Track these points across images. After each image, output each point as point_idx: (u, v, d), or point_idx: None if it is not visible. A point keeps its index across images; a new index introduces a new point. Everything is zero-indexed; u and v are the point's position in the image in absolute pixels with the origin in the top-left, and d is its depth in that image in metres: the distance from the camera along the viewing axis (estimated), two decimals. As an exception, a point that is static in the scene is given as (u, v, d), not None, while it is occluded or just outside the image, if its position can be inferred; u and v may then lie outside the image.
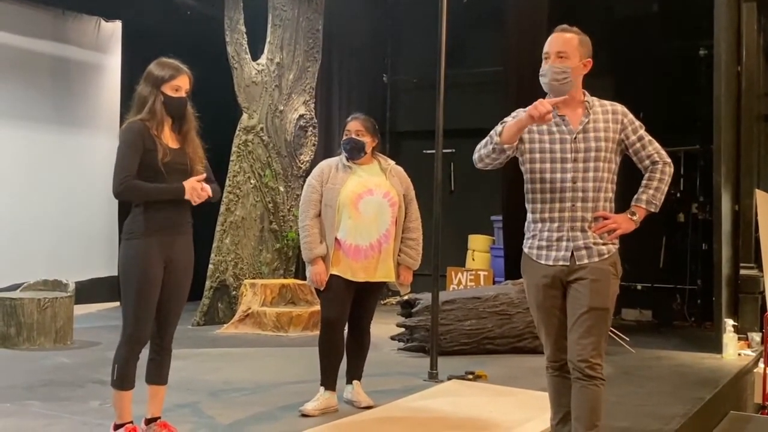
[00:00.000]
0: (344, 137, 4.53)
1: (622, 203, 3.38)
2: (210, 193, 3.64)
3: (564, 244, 3.25)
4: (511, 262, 7.85)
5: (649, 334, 7.95)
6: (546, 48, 3.30)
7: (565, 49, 3.26)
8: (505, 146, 3.22)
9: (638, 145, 3.31)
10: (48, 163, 9.11)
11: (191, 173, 3.64)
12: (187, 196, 3.56)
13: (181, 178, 3.60)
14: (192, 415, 4.37)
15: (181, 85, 3.61)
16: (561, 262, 3.25)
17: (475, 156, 3.35)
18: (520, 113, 3.31)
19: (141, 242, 3.55)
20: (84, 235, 9.29)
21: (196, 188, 3.57)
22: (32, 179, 8.95)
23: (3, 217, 8.61)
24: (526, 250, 3.38)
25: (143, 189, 3.54)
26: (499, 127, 3.24)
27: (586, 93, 3.36)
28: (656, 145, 3.34)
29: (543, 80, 3.30)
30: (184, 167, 3.62)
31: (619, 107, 3.35)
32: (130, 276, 3.55)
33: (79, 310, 7.29)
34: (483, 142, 3.31)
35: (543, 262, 3.29)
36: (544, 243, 3.30)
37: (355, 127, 4.50)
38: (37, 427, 4.08)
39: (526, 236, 3.40)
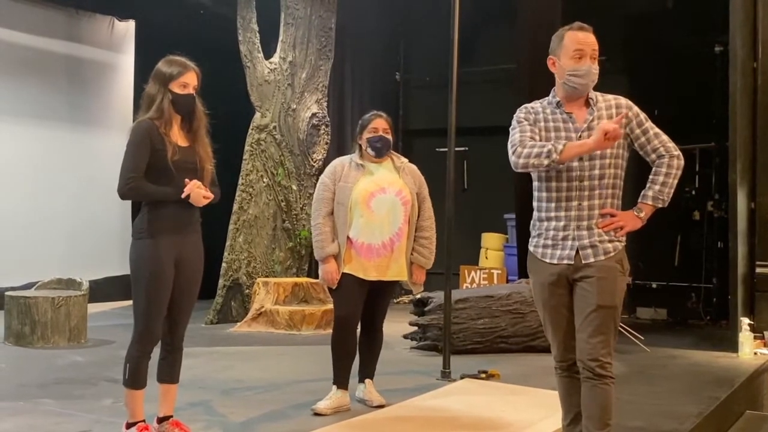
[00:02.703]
0: (371, 135, 4.46)
1: (633, 198, 3.34)
2: (211, 198, 3.63)
3: (569, 242, 3.22)
4: (524, 261, 7.82)
5: (664, 333, 7.91)
6: (577, 45, 3.19)
7: (596, 49, 3.22)
8: (561, 165, 3.17)
9: (643, 139, 3.24)
10: (61, 161, 9.16)
11: (201, 172, 3.63)
12: (191, 200, 3.55)
13: (191, 176, 3.59)
14: (204, 413, 4.37)
15: (188, 81, 3.60)
16: (566, 261, 3.22)
17: (521, 162, 3.16)
18: (529, 109, 3.29)
19: (151, 242, 3.55)
20: (98, 233, 9.33)
21: (201, 198, 3.56)
22: (46, 178, 9.01)
23: (17, 215, 8.67)
24: (531, 248, 3.35)
25: (147, 190, 3.54)
26: (559, 146, 3.09)
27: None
28: (663, 137, 3.25)
29: (578, 80, 3.19)
30: (194, 166, 3.62)
31: (623, 101, 3.28)
32: (141, 275, 3.55)
33: (93, 308, 7.32)
34: (534, 151, 3.13)
35: (548, 260, 3.26)
36: (549, 242, 3.27)
37: (381, 125, 4.47)
38: (49, 425, 4.09)
39: (531, 234, 3.36)
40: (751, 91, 7.24)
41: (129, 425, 3.64)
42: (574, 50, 3.19)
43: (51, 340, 6.44)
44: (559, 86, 3.30)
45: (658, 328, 8.23)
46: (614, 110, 3.23)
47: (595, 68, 3.21)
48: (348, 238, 4.39)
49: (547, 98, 3.35)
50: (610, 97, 3.30)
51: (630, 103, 3.28)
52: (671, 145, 3.26)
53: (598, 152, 3.17)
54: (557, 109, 3.28)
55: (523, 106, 3.36)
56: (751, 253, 7.20)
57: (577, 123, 3.23)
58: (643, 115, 3.26)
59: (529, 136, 3.23)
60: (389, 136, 4.48)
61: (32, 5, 8.88)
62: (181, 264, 3.61)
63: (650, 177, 3.27)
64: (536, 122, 3.28)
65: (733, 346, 6.64)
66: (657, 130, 3.27)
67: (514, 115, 3.34)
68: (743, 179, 7.04)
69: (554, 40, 3.30)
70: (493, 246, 10.25)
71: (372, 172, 4.47)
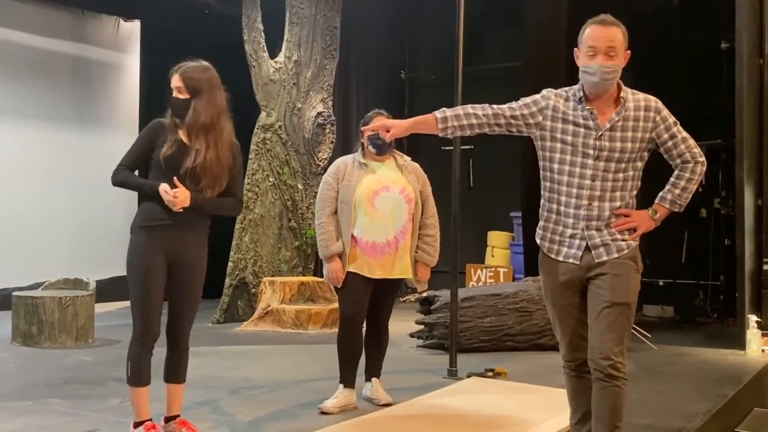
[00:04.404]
0: (372, 133, 4.46)
1: (647, 196, 3.32)
2: (185, 204, 3.52)
3: (576, 241, 3.17)
4: (531, 259, 7.79)
5: (672, 331, 7.89)
6: (591, 42, 3.10)
7: (615, 45, 3.09)
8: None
9: (670, 143, 3.15)
10: (67, 161, 9.19)
11: (192, 173, 3.56)
12: (161, 193, 3.51)
13: (174, 174, 3.55)
14: (212, 412, 4.38)
15: (173, 85, 3.64)
16: (571, 260, 3.18)
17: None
18: (547, 96, 3.24)
19: (139, 236, 3.60)
20: (104, 233, 9.34)
21: (168, 193, 3.50)
22: (52, 178, 9.03)
23: (24, 216, 8.69)
24: (538, 240, 3.30)
25: (127, 180, 3.64)
26: (439, 114, 3.26)
27: (622, 85, 3.19)
28: (690, 142, 3.17)
29: (589, 78, 3.11)
30: (180, 164, 3.55)
31: (653, 103, 3.17)
32: (132, 270, 3.58)
33: (100, 308, 7.33)
34: (462, 111, 3.26)
35: (553, 256, 3.23)
36: (557, 237, 3.23)
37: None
38: (57, 424, 4.11)
39: (539, 223, 3.30)
40: (758, 88, 7.22)
41: (136, 424, 3.64)
42: (589, 47, 3.11)
43: (58, 340, 6.46)
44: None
45: (665, 326, 8.21)
46: (642, 112, 3.13)
47: (609, 67, 3.08)
48: (352, 236, 4.38)
49: (574, 88, 3.24)
50: (640, 96, 3.18)
51: (659, 106, 3.17)
52: (697, 150, 3.19)
53: (617, 155, 3.10)
54: (579, 105, 3.18)
55: (549, 89, 3.27)
56: (759, 251, 7.18)
57: (598, 120, 3.13)
58: (672, 119, 3.17)
59: (510, 107, 3.25)
60: (385, 138, 4.44)
61: (38, 6, 8.91)
62: (178, 262, 3.61)
63: (672, 180, 3.21)
64: (545, 108, 3.21)
65: (740, 343, 6.63)
66: (685, 134, 3.18)
67: None
68: (750, 176, 7.02)
69: (581, 30, 3.20)
70: (499, 244, 10.24)
71: (375, 171, 4.47)
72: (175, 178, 3.53)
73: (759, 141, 7.25)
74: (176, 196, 3.50)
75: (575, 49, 3.21)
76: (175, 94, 3.63)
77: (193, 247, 3.67)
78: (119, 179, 3.64)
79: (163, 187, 3.52)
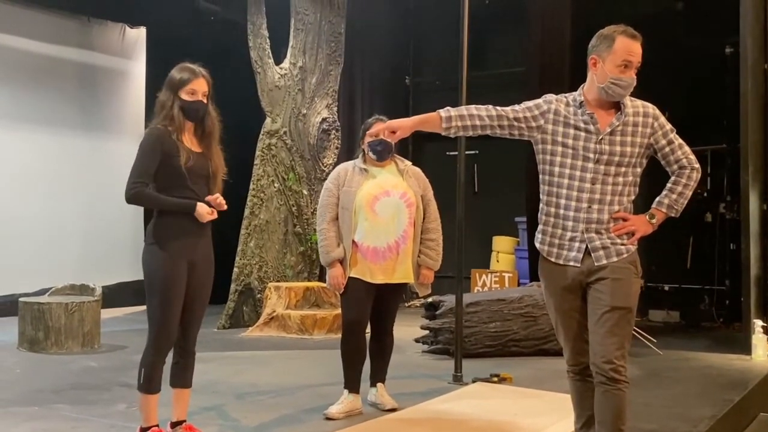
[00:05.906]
0: (372, 138, 4.48)
1: (644, 202, 3.33)
2: (216, 216, 3.63)
3: (576, 244, 3.18)
4: (536, 264, 7.79)
5: (677, 336, 7.88)
6: (628, 56, 3.12)
7: (640, 60, 3.16)
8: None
9: (667, 149, 3.20)
10: (74, 168, 9.22)
11: (213, 179, 3.65)
12: (196, 215, 3.56)
13: (204, 182, 3.63)
14: (217, 417, 4.39)
15: (196, 88, 3.61)
16: (572, 263, 3.19)
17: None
18: (550, 100, 3.26)
19: (163, 246, 3.57)
20: (110, 239, 9.38)
21: (206, 214, 3.57)
22: (59, 184, 9.07)
23: (30, 222, 8.73)
24: (537, 244, 3.31)
25: (152, 198, 3.58)
26: (443, 113, 3.25)
27: None
28: (686, 149, 3.23)
29: (619, 90, 3.13)
30: (207, 172, 3.64)
31: (650, 109, 3.22)
32: (154, 280, 3.56)
33: (106, 314, 7.36)
34: (466, 112, 3.26)
35: (553, 260, 3.24)
36: (556, 240, 3.24)
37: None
38: (64, 429, 4.12)
39: (538, 227, 3.32)
40: (762, 93, 7.22)
41: (143, 430, 3.65)
42: (623, 59, 3.12)
43: (65, 346, 6.48)
44: (591, 87, 3.21)
45: (670, 331, 8.20)
46: (641, 118, 3.18)
47: (635, 80, 3.15)
48: (353, 242, 4.39)
49: (573, 93, 3.28)
50: (638, 103, 3.23)
51: (657, 113, 3.22)
52: (693, 157, 3.24)
53: (616, 159, 3.13)
54: (579, 109, 3.21)
55: (551, 94, 3.31)
56: (764, 255, 7.17)
57: (598, 125, 3.16)
58: (668, 126, 3.22)
59: (513, 109, 3.26)
60: (390, 140, 4.47)
61: (45, 13, 8.96)
62: (192, 268, 3.62)
63: (669, 185, 3.24)
64: (547, 112, 3.23)
65: (746, 348, 6.62)
66: (681, 141, 3.23)
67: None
68: (755, 180, 7.02)
69: (601, 39, 3.19)
70: (504, 249, 10.25)
71: (375, 176, 4.48)
72: (202, 203, 3.59)
73: (764, 145, 7.24)
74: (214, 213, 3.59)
75: (593, 56, 3.19)
76: (199, 98, 3.62)
77: (206, 251, 3.71)
78: (139, 197, 3.56)
79: (205, 209, 3.55)
